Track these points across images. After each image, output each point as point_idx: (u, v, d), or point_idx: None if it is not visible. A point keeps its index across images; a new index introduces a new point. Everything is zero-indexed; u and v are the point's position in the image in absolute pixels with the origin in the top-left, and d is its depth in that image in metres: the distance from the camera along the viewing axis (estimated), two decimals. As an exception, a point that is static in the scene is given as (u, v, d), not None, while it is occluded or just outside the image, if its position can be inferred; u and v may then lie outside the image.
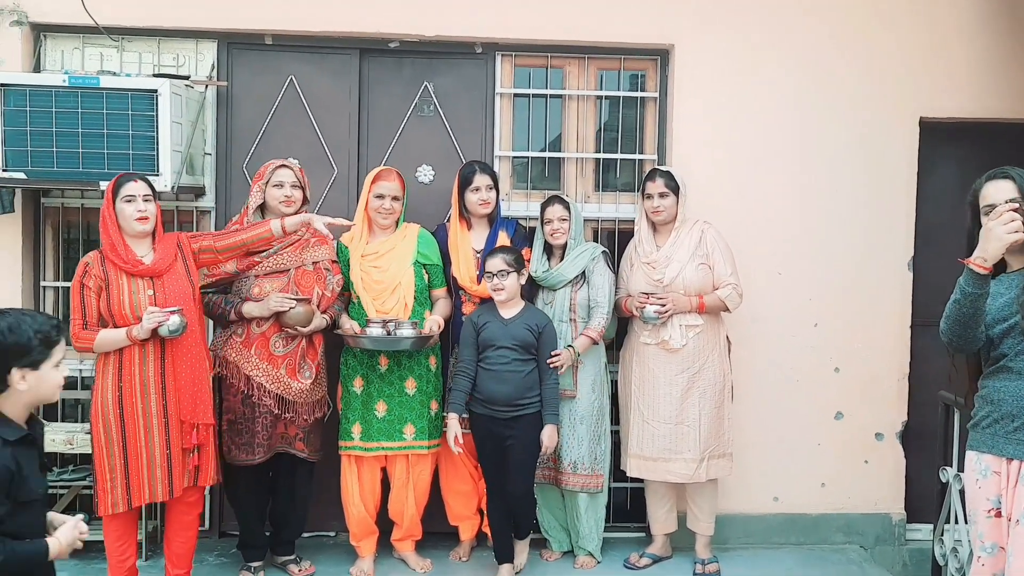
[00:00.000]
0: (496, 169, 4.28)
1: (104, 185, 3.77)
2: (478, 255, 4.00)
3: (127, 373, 3.40)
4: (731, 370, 4.04)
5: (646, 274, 3.96)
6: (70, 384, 4.29)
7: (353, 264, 3.90)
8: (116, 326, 3.40)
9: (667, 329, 3.88)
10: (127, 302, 3.40)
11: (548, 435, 3.74)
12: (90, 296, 3.39)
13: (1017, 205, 2.47)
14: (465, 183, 3.99)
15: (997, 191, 2.58)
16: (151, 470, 3.42)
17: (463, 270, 3.98)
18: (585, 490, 3.99)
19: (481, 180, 3.97)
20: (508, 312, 3.78)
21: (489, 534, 4.05)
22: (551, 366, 3.78)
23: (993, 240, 2.44)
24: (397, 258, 3.92)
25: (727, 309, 3.94)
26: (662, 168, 4.05)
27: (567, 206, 4.00)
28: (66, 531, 2.35)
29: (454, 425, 3.73)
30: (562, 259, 4.01)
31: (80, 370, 4.26)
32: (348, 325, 3.83)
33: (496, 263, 3.72)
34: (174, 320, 3.36)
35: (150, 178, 3.59)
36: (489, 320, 3.76)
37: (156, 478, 3.43)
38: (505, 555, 3.87)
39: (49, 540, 2.31)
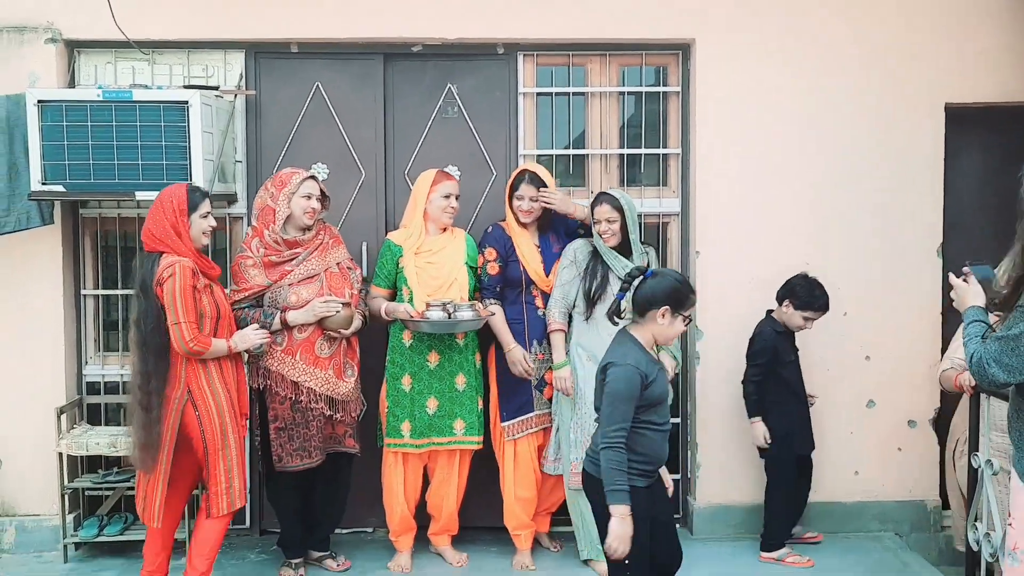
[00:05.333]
0: (520, 167, 4.31)
1: (140, 195, 3.89)
2: (539, 247, 4.08)
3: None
4: None
5: None
6: (111, 389, 4.43)
7: (407, 261, 3.96)
8: (213, 333, 3.52)
9: None
10: (226, 306, 3.63)
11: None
12: (200, 299, 3.49)
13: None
14: (512, 190, 4.04)
15: None
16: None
17: (531, 264, 4.02)
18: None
19: (526, 190, 3.99)
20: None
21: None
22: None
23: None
24: (450, 257, 4.00)
25: None
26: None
27: (615, 204, 3.89)
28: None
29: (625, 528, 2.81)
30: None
31: (121, 375, 4.38)
32: (403, 308, 3.87)
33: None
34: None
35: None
36: (655, 371, 2.91)
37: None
38: None
39: None
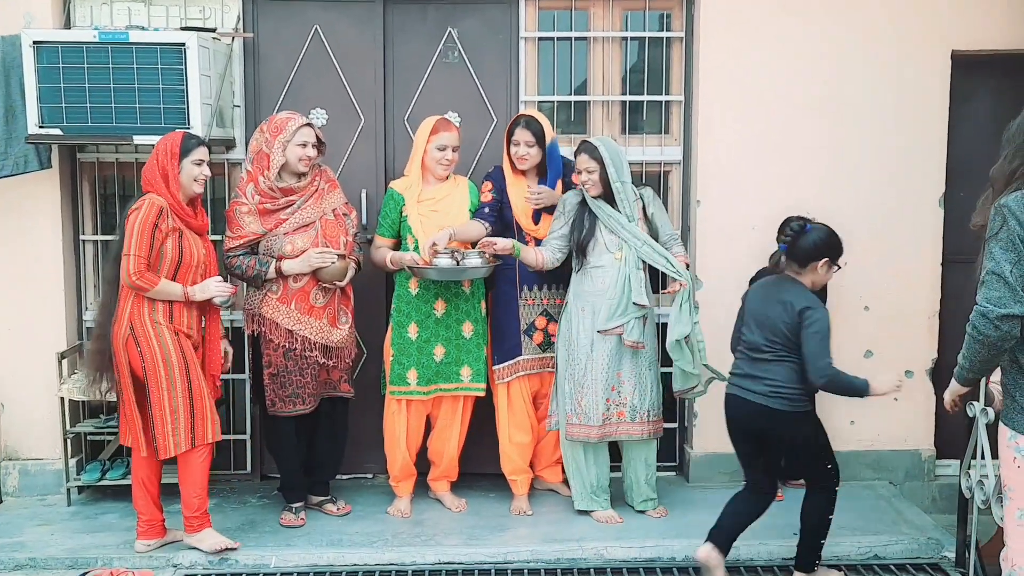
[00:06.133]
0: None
1: (138, 139, 3.86)
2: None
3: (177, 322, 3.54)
4: None
5: None
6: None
7: (410, 209, 3.94)
8: (172, 277, 3.49)
9: None
10: (196, 255, 3.54)
11: None
12: (165, 241, 3.46)
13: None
14: (509, 135, 4.00)
15: None
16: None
17: (520, 214, 4.00)
18: (655, 436, 3.96)
19: (521, 135, 3.95)
20: None
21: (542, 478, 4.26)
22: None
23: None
24: (454, 204, 3.98)
25: None
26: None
27: (594, 154, 3.80)
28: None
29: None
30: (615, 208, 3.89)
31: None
32: (410, 256, 3.85)
33: None
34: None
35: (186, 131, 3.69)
36: None
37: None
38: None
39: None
